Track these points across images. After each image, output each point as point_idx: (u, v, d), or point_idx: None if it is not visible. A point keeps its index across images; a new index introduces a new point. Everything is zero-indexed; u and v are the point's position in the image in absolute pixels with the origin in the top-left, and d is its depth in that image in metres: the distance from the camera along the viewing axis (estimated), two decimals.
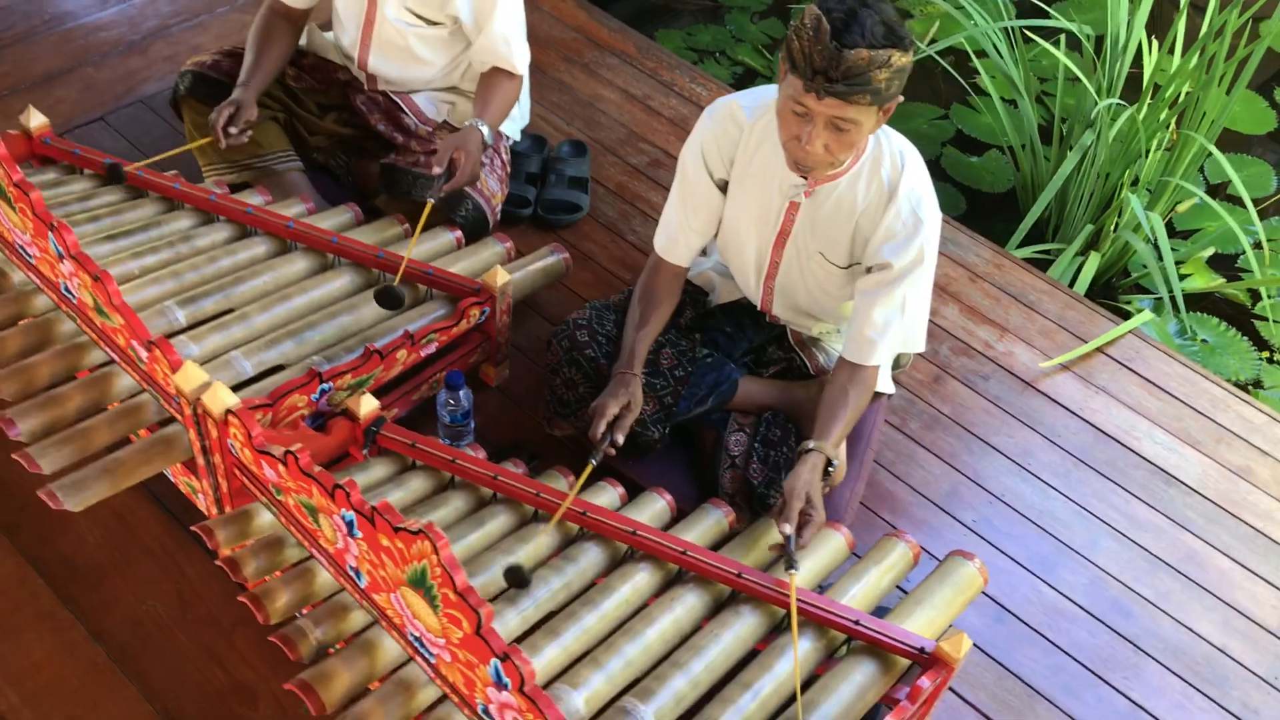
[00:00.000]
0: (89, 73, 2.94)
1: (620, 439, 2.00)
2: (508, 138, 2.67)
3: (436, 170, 2.27)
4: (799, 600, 1.79)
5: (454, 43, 2.54)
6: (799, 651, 1.75)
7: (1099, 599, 2.18)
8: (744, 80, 3.75)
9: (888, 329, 1.99)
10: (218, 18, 3.17)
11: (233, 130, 2.37)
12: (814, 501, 1.89)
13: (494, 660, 1.40)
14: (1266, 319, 3.14)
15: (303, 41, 2.69)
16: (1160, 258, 2.94)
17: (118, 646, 1.92)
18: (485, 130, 2.39)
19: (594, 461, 1.95)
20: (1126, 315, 3.02)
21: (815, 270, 2.09)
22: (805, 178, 1.97)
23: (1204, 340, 3.13)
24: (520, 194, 2.71)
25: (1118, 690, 2.06)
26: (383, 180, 2.53)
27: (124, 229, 2.25)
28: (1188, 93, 3.05)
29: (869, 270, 2.01)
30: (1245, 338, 3.14)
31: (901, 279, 1.97)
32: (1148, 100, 2.99)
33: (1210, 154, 2.97)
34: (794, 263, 2.11)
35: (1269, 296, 3.18)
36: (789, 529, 1.84)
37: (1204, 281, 3.16)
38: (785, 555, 1.83)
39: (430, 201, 2.24)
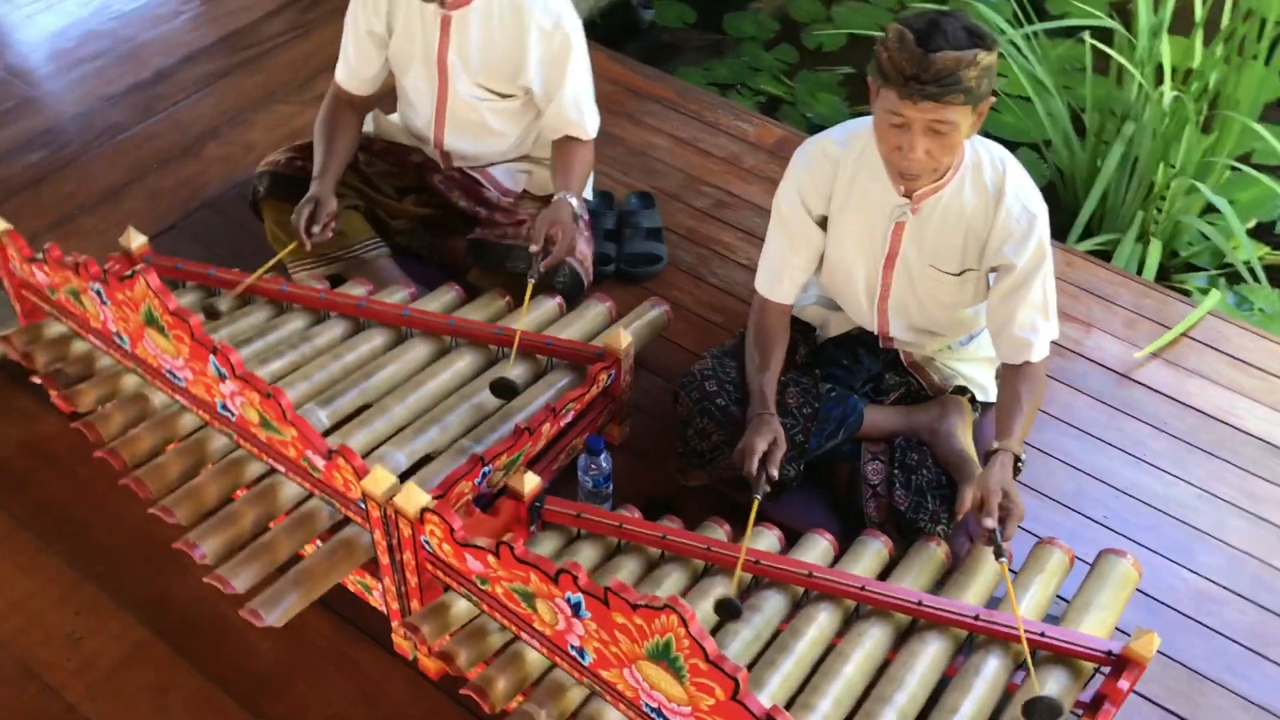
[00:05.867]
0: (151, 182, 2.97)
1: (775, 473, 2.05)
2: (584, 200, 2.72)
3: (533, 248, 2.31)
4: (991, 622, 1.84)
5: (526, 113, 2.58)
6: (990, 671, 1.81)
7: (1240, 577, 2.25)
8: (769, 108, 3.82)
9: (1035, 323, 2.07)
10: (264, 112, 3.20)
11: (315, 229, 2.39)
12: (1011, 495, 1.94)
13: None
14: None
15: (369, 128, 2.73)
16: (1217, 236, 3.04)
17: None
18: (574, 201, 2.42)
19: (757, 497, 2.00)
20: (1187, 294, 3.11)
21: (928, 284, 2.16)
22: (909, 196, 2.04)
23: (1261, 309, 3.22)
24: (602, 252, 2.75)
25: (1277, 664, 2.12)
26: (473, 256, 2.57)
27: (243, 337, 2.28)
28: (1218, 76, 3.14)
29: (992, 271, 2.08)
30: None
31: (1033, 275, 2.05)
32: (1191, 86, 3.08)
33: (1250, 129, 3.07)
34: (905, 281, 2.17)
35: None
36: (992, 523, 1.90)
37: (1258, 252, 3.25)
38: (994, 546, 1.88)
39: (532, 281, 2.27)
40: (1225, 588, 2.23)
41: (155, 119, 3.16)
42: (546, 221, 2.35)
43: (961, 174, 2.04)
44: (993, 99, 1.91)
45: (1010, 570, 2.06)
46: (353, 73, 2.57)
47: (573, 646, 1.64)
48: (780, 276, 2.23)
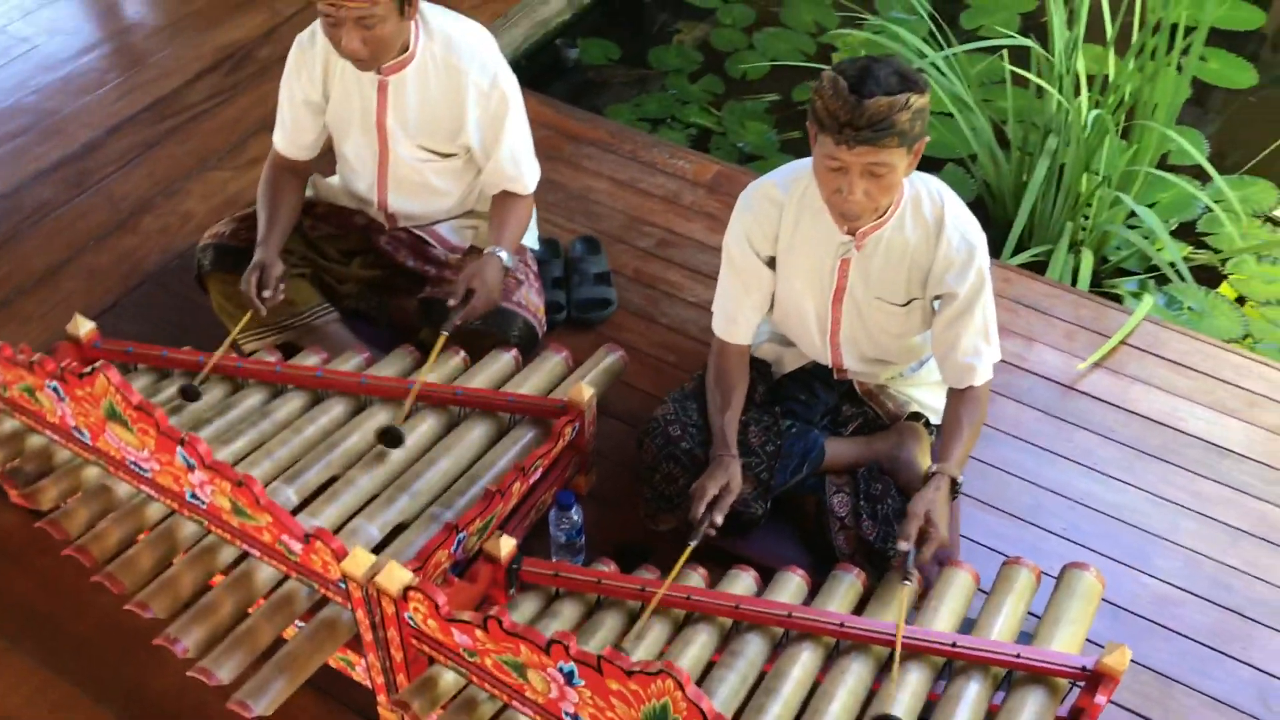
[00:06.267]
0: (89, 260, 2.93)
1: (719, 519, 2.09)
2: (529, 249, 2.74)
3: (451, 301, 2.34)
4: (968, 648, 1.89)
5: (468, 171, 2.60)
6: (972, 695, 1.85)
7: (1197, 578, 2.33)
8: (699, 140, 3.87)
9: (978, 348, 2.14)
10: (198, 180, 3.18)
11: (266, 294, 2.38)
12: (933, 519, 1.99)
13: None
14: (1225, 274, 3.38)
15: (310, 193, 2.72)
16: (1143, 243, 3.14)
17: None
18: (504, 255, 2.44)
19: (693, 543, 2.05)
20: (1119, 300, 3.21)
21: (876, 315, 2.21)
22: (853, 234, 2.10)
23: (1190, 308, 3.33)
24: (552, 300, 2.77)
25: (1240, 660, 2.20)
26: (423, 315, 2.58)
27: (202, 417, 2.26)
28: (1133, 87, 3.25)
29: (935, 301, 2.14)
30: (1224, 297, 3.36)
31: (974, 302, 2.12)
32: (1108, 99, 3.19)
33: (1165, 136, 3.18)
34: (854, 314, 2.23)
35: (1241, 249, 3.40)
36: (906, 545, 1.96)
37: (1182, 252, 3.35)
38: (902, 569, 1.94)
39: (444, 334, 2.29)
40: (1184, 589, 2.31)
41: (86, 194, 3.12)
42: (468, 275, 2.37)
43: (902, 210, 2.10)
44: (927, 138, 1.97)
45: (981, 590, 2.13)
46: (290, 139, 2.57)
47: (567, 714, 1.65)
48: (736, 318, 2.27)
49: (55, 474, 2.10)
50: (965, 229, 2.11)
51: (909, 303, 2.19)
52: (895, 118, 1.86)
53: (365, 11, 2.20)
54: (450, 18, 2.47)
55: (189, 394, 2.28)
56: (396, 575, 1.72)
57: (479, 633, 1.65)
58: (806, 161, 2.17)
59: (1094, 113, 3.08)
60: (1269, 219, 3.65)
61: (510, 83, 2.49)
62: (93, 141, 3.28)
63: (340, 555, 1.75)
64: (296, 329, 2.59)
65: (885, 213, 2.08)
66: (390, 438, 2.19)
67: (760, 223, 2.20)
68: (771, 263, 2.24)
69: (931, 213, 2.10)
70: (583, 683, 1.57)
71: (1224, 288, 3.39)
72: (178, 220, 3.04)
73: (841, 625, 1.93)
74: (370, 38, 2.25)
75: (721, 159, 3.47)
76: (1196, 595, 2.30)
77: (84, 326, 2.33)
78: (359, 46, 2.26)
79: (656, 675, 1.47)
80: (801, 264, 2.20)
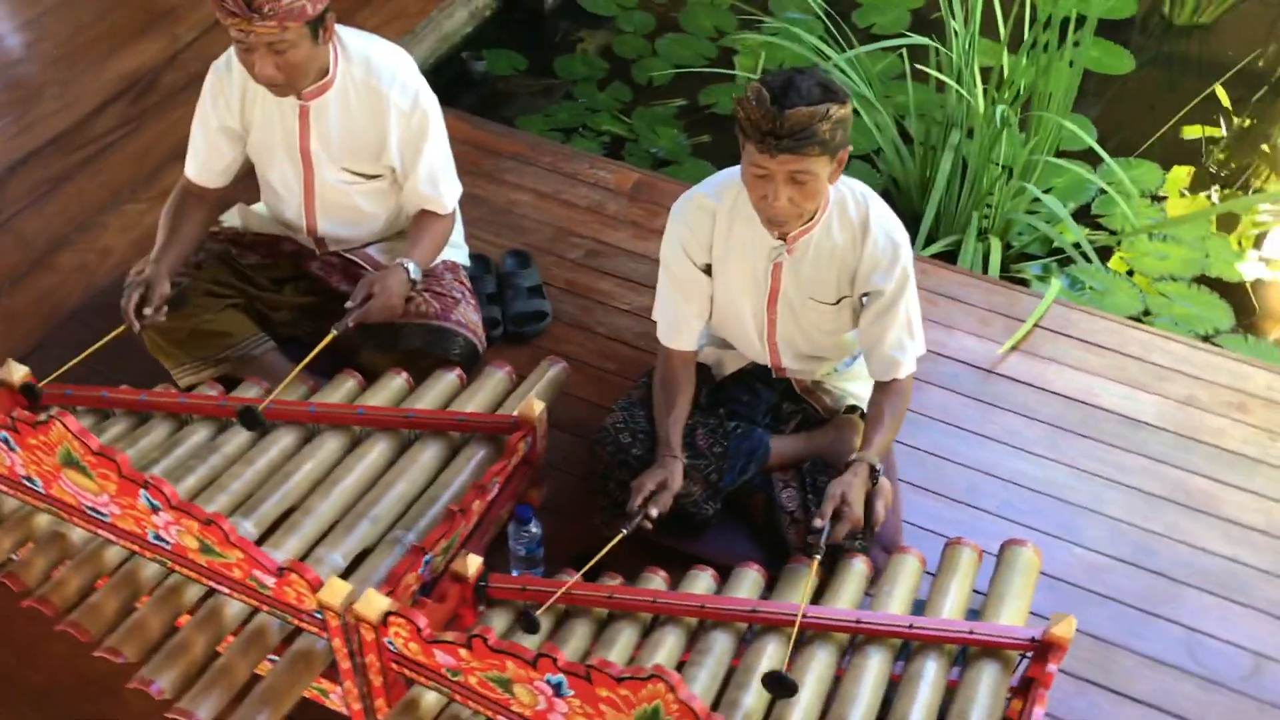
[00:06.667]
0: (4, 303, 2.86)
1: (654, 513, 2.16)
2: (461, 266, 2.76)
3: (349, 304, 2.36)
4: (924, 628, 1.98)
5: (394, 191, 2.61)
6: (931, 673, 1.95)
7: (1123, 545, 2.47)
8: (613, 148, 3.92)
9: (902, 343, 2.23)
10: (113, 214, 3.12)
11: (147, 312, 2.34)
12: (849, 500, 2.08)
13: None
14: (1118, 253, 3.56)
15: (237, 223, 2.71)
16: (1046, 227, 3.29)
17: None
18: (411, 267, 2.45)
19: (625, 532, 2.12)
20: (1026, 284, 3.36)
21: (809, 314, 2.30)
22: (783, 238, 2.18)
23: (1092, 287, 3.50)
24: (489, 315, 2.80)
25: (1170, 620, 2.34)
26: (362, 338, 2.58)
27: (150, 457, 2.24)
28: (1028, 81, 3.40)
29: (863, 298, 2.23)
30: (1121, 275, 3.54)
31: (899, 298, 2.21)
32: (1003, 94, 3.33)
33: (1060, 124, 3.34)
34: (789, 314, 2.31)
35: (1135, 228, 3.59)
36: (820, 523, 2.04)
37: (1079, 234, 3.52)
38: (815, 544, 2.02)
39: (334, 333, 2.31)
40: (1112, 557, 2.45)
41: None
42: (369, 280, 2.40)
43: (829, 214, 2.18)
44: (849, 147, 2.05)
45: (927, 573, 2.22)
46: (203, 166, 2.55)
47: None
48: (679, 326, 2.33)
49: (4, 524, 2.07)
50: (890, 229, 2.20)
51: (839, 301, 2.28)
52: (816, 127, 1.94)
53: (275, 37, 2.20)
54: (367, 40, 2.49)
55: (251, 418, 2.24)
56: (375, 602, 1.74)
57: (463, 652, 1.68)
58: (734, 170, 2.24)
59: (1000, 108, 3.22)
60: (1155, 198, 3.85)
61: (431, 102, 2.52)
62: None
63: (315, 586, 1.77)
64: (233, 360, 2.58)
65: (813, 217, 2.17)
66: (250, 419, 2.20)
67: (695, 232, 2.26)
68: (708, 270, 2.31)
69: (857, 215, 2.19)
70: (572, 693, 1.62)
71: (1115, 261, 3.56)
72: (96, 256, 2.99)
73: (805, 615, 2.01)
74: (283, 63, 2.25)
75: (636, 165, 3.53)
76: (1124, 562, 2.44)
77: (18, 372, 2.29)
78: (273, 72, 2.26)
79: (647, 680, 1.52)
80: (736, 269, 2.27)
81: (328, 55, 2.38)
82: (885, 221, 2.20)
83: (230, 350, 2.57)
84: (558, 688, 1.63)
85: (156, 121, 3.41)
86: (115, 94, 3.50)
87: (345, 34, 2.44)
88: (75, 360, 2.30)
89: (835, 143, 1.98)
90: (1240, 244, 3.73)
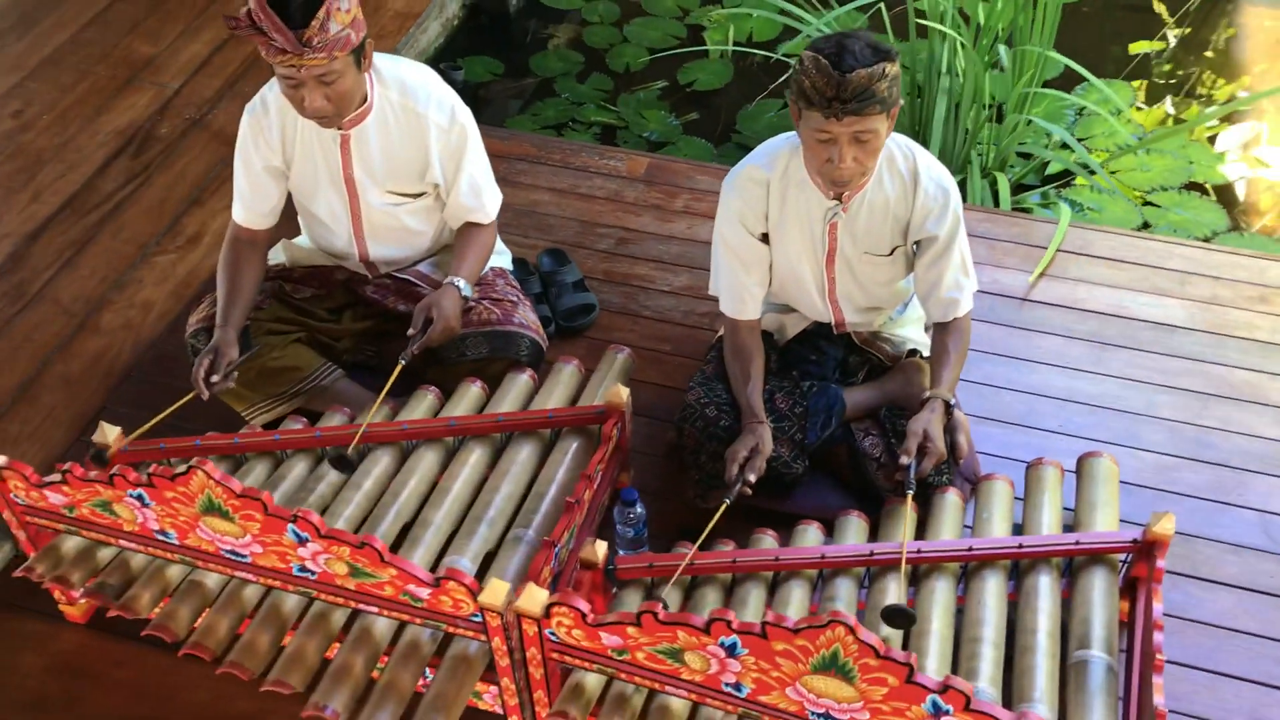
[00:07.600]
0: (59, 370, 2.87)
1: (752, 478, 2.24)
2: (508, 271, 2.82)
3: (410, 331, 2.41)
4: (1034, 545, 2.10)
5: (439, 207, 2.66)
6: (1045, 587, 2.07)
7: (1183, 443, 2.60)
8: (605, 137, 3.99)
9: (959, 282, 2.33)
10: (145, 268, 3.13)
11: (215, 379, 2.38)
12: (931, 435, 2.19)
13: (930, 696, 1.63)
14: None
15: (283, 259, 2.74)
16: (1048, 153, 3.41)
17: None
18: (461, 284, 2.50)
19: (729, 500, 2.21)
20: (1029, 212, 3.49)
21: (866, 268, 2.40)
22: (838, 198, 2.27)
23: (1090, 208, 3.64)
24: (540, 314, 2.86)
25: (1242, 506, 2.47)
26: (427, 355, 2.63)
27: None
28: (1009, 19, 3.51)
29: (917, 245, 2.33)
30: (1114, 192, 3.68)
31: (952, 241, 2.31)
32: (983, 41, 3.45)
33: (1046, 57, 3.47)
34: (847, 271, 2.40)
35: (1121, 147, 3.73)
36: (906, 460, 2.15)
37: (1069, 158, 3.65)
38: (905, 481, 2.13)
39: (402, 362, 2.37)
40: (1175, 455, 2.58)
41: (31, 305, 3.04)
42: (425, 305, 2.44)
43: (879, 169, 2.28)
44: (901, 102, 2.14)
45: (970, 500, 2.34)
46: (251, 209, 2.58)
47: (727, 684, 1.78)
48: (743, 297, 2.42)
49: (141, 580, 2.11)
50: (938, 176, 2.30)
51: (893, 251, 2.37)
52: (875, 87, 2.03)
53: (324, 69, 2.25)
54: (396, 62, 2.53)
55: (344, 464, 2.29)
56: (537, 597, 1.82)
57: (631, 630, 1.77)
58: (780, 140, 2.33)
59: (1001, 48, 3.33)
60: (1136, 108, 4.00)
61: (466, 115, 2.57)
62: (16, 252, 3.19)
63: (475, 591, 1.84)
64: (306, 393, 2.63)
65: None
66: (342, 464, 2.27)
67: (749, 204, 2.35)
68: (765, 239, 2.39)
69: (906, 167, 2.29)
70: (746, 651, 1.71)
71: (1099, 180, 3.70)
72: (138, 312, 3.01)
73: (920, 550, 2.12)
74: (333, 94, 2.30)
75: (650, 153, 3.60)
76: (1188, 459, 2.57)
77: (111, 433, 2.33)
78: (323, 104, 2.30)
79: (825, 626, 1.61)
80: (794, 234, 2.36)
81: (365, 82, 2.43)
82: (933, 169, 2.30)
83: (302, 384, 2.62)
84: (731, 649, 1.71)
85: (164, 172, 3.42)
86: (115, 150, 3.50)
87: (377, 59, 2.49)
88: (150, 423, 2.34)
89: (892, 99, 2.08)
90: (1211, 143, 3.89)
